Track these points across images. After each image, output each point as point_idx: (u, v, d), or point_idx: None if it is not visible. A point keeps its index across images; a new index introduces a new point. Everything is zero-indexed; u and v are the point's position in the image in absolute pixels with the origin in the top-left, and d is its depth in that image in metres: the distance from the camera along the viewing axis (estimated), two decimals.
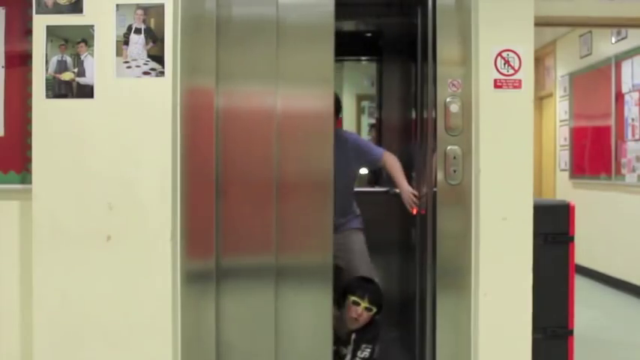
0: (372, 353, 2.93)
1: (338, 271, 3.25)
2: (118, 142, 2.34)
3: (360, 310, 2.89)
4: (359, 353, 2.92)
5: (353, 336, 2.92)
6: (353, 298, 2.90)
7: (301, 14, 2.51)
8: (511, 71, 2.45)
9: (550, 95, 7.49)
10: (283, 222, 2.49)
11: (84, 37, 2.34)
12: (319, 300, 2.51)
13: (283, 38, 2.49)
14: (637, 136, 5.44)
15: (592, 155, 6.35)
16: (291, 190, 2.50)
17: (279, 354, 2.51)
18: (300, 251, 2.53)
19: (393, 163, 3.20)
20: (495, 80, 2.45)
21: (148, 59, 2.34)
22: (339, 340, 2.94)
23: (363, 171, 3.77)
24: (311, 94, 2.54)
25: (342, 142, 3.27)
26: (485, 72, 2.45)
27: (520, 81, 2.45)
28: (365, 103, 7.07)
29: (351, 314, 2.90)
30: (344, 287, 3.01)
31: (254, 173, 2.50)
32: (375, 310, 2.92)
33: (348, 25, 4.28)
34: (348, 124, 6.67)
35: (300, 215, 2.50)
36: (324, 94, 2.52)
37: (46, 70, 2.35)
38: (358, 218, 3.34)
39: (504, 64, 2.45)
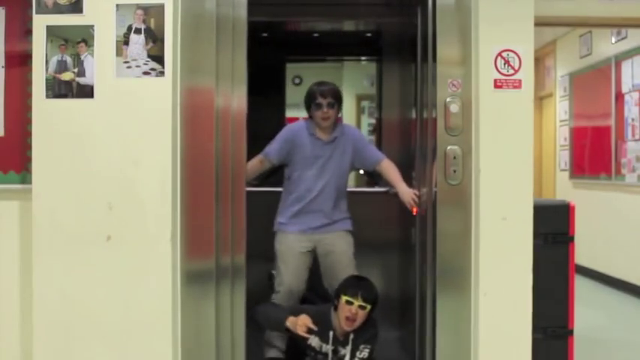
0: (371, 353, 2.92)
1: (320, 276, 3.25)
2: (118, 142, 2.34)
3: (354, 309, 2.84)
4: (357, 353, 2.90)
5: (351, 336, 2.91)
6: (345, 297, 2.86)
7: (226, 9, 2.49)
8: (511, 71, 2.45)
9: (550, 95, 7.49)
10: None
11: (84, 37, 2.34)
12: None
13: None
14: (637, 136, 5.44)
15: (592, 155, 6.35)
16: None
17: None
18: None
19: (391, 169, 3.19)
20: (495, 80, 2.45)
21: (148, 59, 2.34)
22: (337, 341, 2.93)
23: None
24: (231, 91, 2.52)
25: (342, 136, 3.25)
26: (485, 72, 2.45)
27: (520, 81, 2.45)
28: (365, 103, 7.08)
29: (345, 314, 2.86)
30: (336, 289, 3.00)
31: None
32: (369, 307, 2.89)
33: (349, 25, 4.28)
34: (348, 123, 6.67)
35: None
36: (241, 93, 2.51)
37: (46, 70, 2.35)
38: (349, 220, 3.27)
39: (504, 64, 2.45)
